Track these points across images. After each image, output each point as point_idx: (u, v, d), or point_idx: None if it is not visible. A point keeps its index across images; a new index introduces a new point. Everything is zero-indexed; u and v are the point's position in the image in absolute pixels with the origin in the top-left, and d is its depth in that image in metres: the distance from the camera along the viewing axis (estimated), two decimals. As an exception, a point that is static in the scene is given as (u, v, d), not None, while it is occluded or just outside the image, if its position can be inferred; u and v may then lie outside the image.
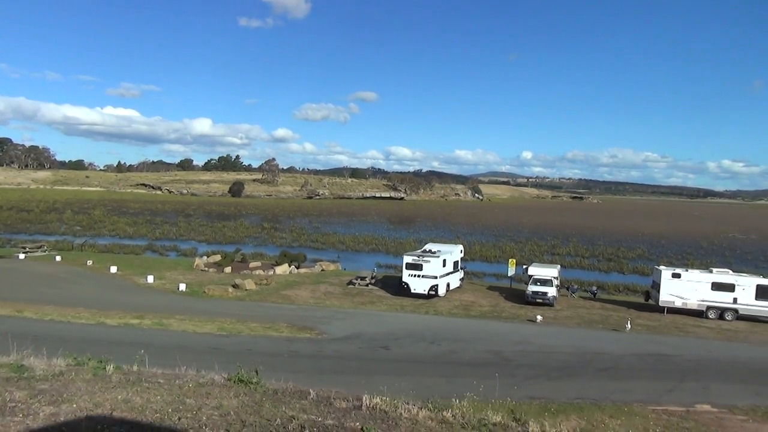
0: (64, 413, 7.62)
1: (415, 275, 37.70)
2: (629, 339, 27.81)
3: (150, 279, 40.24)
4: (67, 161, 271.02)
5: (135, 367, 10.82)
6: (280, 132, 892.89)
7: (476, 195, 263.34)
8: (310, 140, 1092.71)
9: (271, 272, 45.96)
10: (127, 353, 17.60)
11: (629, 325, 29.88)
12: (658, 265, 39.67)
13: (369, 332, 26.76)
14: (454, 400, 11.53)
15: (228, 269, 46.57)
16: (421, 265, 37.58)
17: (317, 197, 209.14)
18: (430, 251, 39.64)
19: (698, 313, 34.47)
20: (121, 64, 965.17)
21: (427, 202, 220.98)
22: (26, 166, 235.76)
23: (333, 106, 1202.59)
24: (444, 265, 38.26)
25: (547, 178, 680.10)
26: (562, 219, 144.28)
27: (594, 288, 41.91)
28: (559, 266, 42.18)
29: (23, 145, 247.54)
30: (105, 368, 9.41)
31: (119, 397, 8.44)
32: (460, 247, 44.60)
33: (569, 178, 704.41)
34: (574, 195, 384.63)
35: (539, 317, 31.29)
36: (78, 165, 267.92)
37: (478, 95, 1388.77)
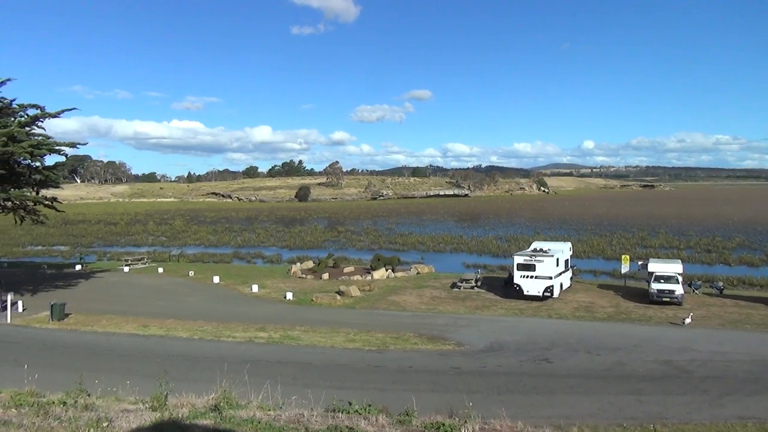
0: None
1: (527, 276, 36.01)
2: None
3: (255, 288, 40.32)
4: (140, 174, 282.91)
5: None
6: (338, 135, 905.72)
7: (542, 188, 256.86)
8: (367, 141, 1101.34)
9: (369, 277, 45.31)
10: (298, 375, 17.16)
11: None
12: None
13: (509, 341, 25.33)
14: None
15: (326, 275, 46.23)
16: (534, 265, 35.86)
17: (381, 198, 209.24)
18: (541, 250, 37.81)
19: None
20: (184, 79, 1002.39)
21: (492, 197, 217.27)
22: (105, 181, 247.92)
23: (388, 106, 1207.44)
24: (557, 265, 36.41)
25: (612, 167, 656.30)
26: (638, 209, 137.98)
27: (720, 283, 38.87)
28: (680, 261, 39.38)
29: (101, 161, 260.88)
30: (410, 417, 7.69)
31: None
32: (569, 244, 42.50)
33: (635, 166, 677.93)
34: (644, 183, 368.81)
35: (688, 319, 28.86)
36: (151, 177, 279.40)
37: (533, 86, 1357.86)
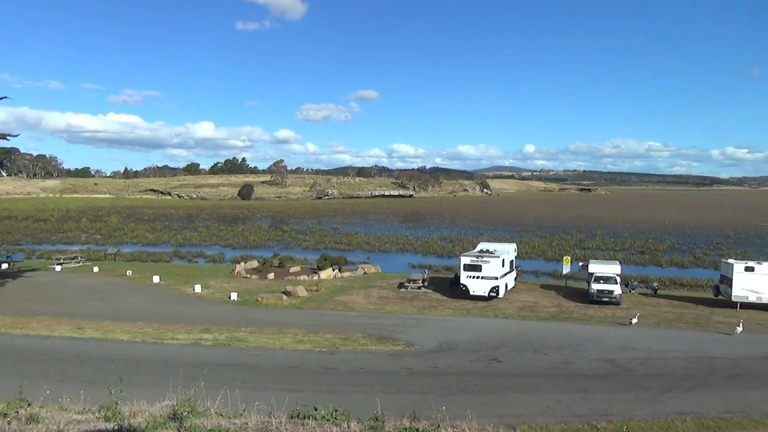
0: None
1: (474, 276, 36.52)
2: (730, 340, 26.50)
3: (198, 288, 39.11)
4: (73, 169, 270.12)
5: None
6: (282, 133, 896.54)
7: (485, 190, 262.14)
8: (313, 140, 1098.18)
9: (316, 277, 44.84)
10: (248, 378, 16.57)
11: (741, 328, 27.62)
12: (727, 259, 38.47)
13: (458, 341, 25.51)
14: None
15: (271, 275, 45.40)
16: (481, 266, 36.40)
17: (327, 197, 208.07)
18: (487, 251, 38.42)
19: (776, 309, 33.23)
20: (123, 71, 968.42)
21: (436, 198, 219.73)
22: (34, 175, 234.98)
23: (334, 105, 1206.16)
24: (503, 266, 37.10)
25: (552, 170, 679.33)
26: (576, 212, 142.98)
27: (654, 284, 40.65)
28: (618, 262, 40.91)
29: (30, 155, 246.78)
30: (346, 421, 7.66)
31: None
32: (514, 245, 43.41)
33: (573, 170, 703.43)
34: (582, 187, 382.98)
35: (634, 320, 29.58)
36: (85, 172, 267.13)
37: (477, 90, 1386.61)
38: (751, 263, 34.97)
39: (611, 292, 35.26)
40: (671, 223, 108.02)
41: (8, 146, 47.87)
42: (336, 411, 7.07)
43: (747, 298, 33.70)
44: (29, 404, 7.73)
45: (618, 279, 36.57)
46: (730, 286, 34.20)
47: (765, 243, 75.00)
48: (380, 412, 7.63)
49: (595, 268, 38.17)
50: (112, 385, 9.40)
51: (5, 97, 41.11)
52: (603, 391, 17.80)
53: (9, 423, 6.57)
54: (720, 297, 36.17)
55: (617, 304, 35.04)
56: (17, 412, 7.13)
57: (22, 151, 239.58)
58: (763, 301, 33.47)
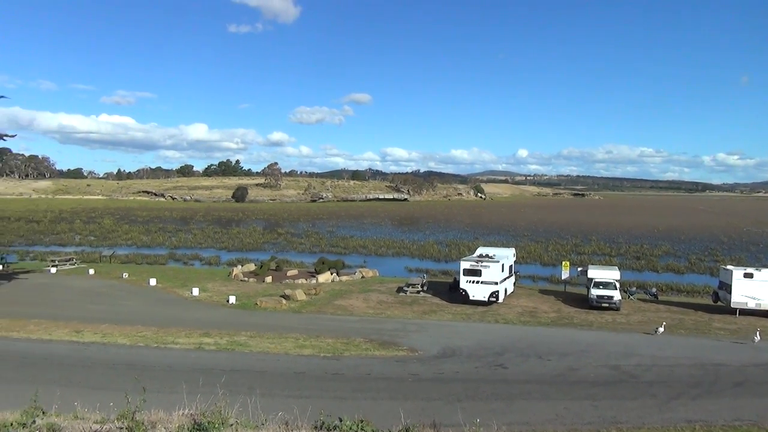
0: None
1: (473, 281, 36.40)
2: (736, 348, 26.49)
3: (195, 291, 38.82)
4: (65, 170, 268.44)
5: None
6: (276, 135, 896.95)
7: (479, 194, 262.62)
8: (306, 143, 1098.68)
9: (314, 281, 44.60)
10: (255, 384, 16.22)
11: (758, 337, 27.22)
12: (726, 265, 38.54)
13: (461, 347, 25.36)
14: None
15: (269, 279, 45.12)
16: (480, 270, 36.29)
17: (321, 200, 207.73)
18: (486, 256, 38.34)
19: (775, 315, 33.27)
20: (115, 72, 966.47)
21: (431, 202, 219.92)
22: (26, 176, 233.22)
23: (327, 108, 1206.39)
24: (502, 270, 37.02)
25: (545, 175, 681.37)
26: (571, 216, 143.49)
27: (654, 289, 40.69)
28: (617, 268, 40.90)
29: (22, 155, 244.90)
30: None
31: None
32: (513, 250, 43.35)
33: (566, 175, 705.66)
34: (576, 192, 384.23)
35: (661, 329, 28.98)
36: (77, 173, 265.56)
37: (470, 94, 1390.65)
38: (750, 270, 35.04)
39: (611, 297, 35.25)
40: (665, 228, 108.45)
41: (0, 146, 47.36)
42: (362, 422, 6.91)
43: (746, 304, 33.75)
44: (44, 412, 7.53)
45: (617, 284, 36.58)
46: (729, 293, 34.23)
47: (759, 249, 75.38)
48: (404, 421, 7.47)
49: (595, 273, 38.15)
50: (119, 390, 9.23)
51: (3, 97, 40.76)
52: (610, 398, 17.72)
53: (29, 433, 6.39)
54: (719, 303, 36.21)
55: (617, 309, 35.03)
56: (34, 421, 6.93)
57: (14, 152, 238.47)
58: (762, 308, 33.52)
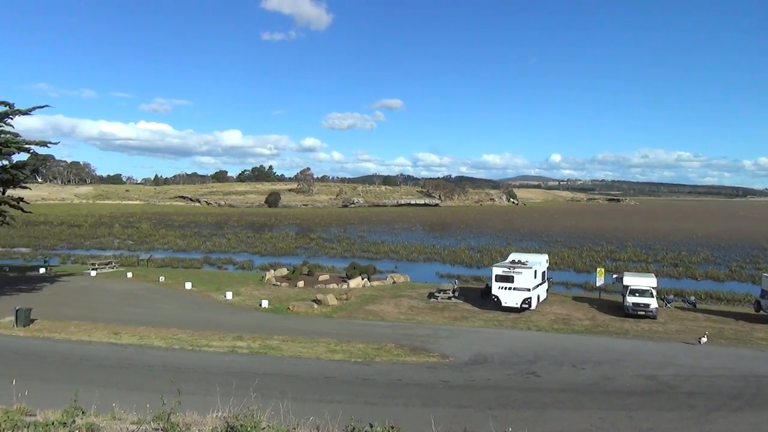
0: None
1: (505, 288, 36.06)
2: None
3: (229, 295, 39.43)
4: (105, 176, 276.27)
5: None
6: (308, 141, 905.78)
7: (511, 199, 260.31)
8: (338, 149, 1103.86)
9: (345, 286, 44.83)
10: (286, 388, 16.18)
11: None
12: (767, 273, 37.31)
13: (493, 354, 25.15)
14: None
15: (301, 283, 45.55)
16: (513, 277, 35.93)
17: (352, 205, 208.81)
18: (519, 262, 37.94)
19: (819, 325, 32.05)
20: (153, 80, 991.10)
21: (462, 207, 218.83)
22: (68, 181, 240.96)
23: (359, 114, 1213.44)
24: (535, 277, 36.58)
25: (579, 180, 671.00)
26: (605, 222, 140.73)
27: (692, 298, 39.62)
28: (654, 275, 39.98)
29: (65, 161, 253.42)
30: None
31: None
32: (546, 256, 42.81)
33: (601, 180, 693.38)
34: (610, 197, 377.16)
35: (704, 339, 28.15)
36: (116, 179, 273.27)
37: (503, 99, 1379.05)
38: (794, 277, 33.86)
39: (647, 305, 34.43)
40: (704, 234, 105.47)
41: (44, 153, 49.02)
42: (393, 428, 6.92)
43: (790, 313, 32.61)
44: (83, 412, 7.77)
45: (654, 292, 35.74)
46: (773, 301, 33.14)
47: (806, 256, 72.69)
48: (434, 428, 7.45)
49: (631, 280, 37.31)
50: (155, 392, 9.45)
51: (46, 106, 42.27)
52: (647, 408, 17.29)
53: (70, 432, 6.61)
54: (761, 312, 35.04)
55: (653, 317, 34.20)
56: (74, 421, 7.17)
57: (57, 158, 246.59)
58: (808, 317, 32.35)
